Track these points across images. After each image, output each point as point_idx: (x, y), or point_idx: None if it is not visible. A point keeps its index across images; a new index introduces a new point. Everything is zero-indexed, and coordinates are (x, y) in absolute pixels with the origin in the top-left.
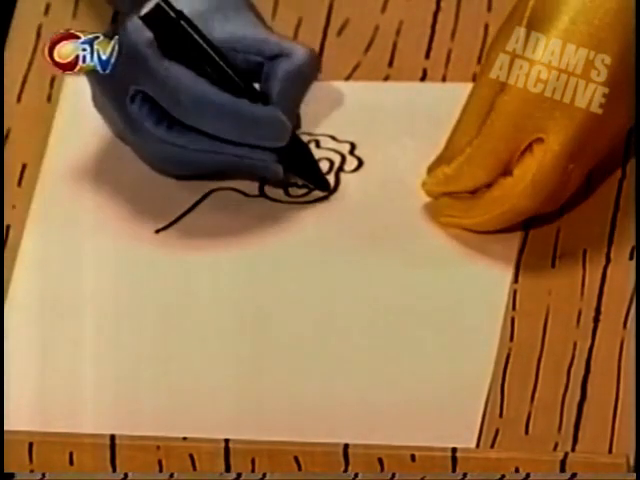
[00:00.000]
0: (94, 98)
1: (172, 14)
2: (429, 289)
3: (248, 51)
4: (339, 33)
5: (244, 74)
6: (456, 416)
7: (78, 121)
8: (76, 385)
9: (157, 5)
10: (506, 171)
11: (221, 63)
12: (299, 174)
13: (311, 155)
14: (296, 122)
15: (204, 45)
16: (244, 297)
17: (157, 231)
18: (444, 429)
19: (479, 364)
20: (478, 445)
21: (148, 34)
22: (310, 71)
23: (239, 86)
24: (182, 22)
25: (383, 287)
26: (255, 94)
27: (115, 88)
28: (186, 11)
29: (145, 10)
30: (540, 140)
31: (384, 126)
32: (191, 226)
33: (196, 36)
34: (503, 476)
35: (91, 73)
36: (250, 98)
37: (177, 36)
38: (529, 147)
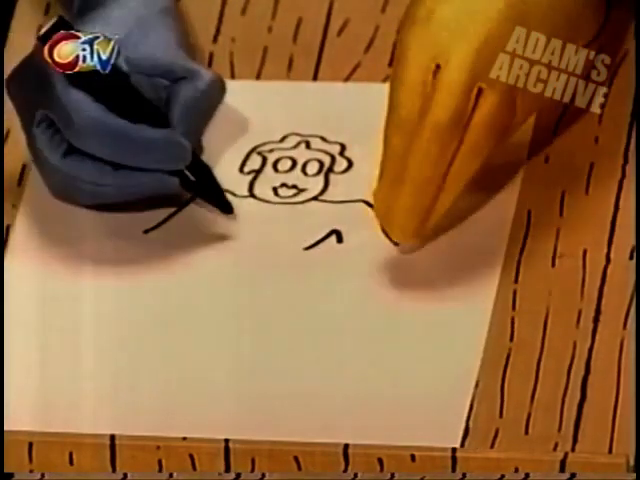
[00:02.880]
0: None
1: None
2: (428, 290)
3: (154, 74)
4: (339, 33)
5: (148, 98)
6: (441, 416)
7: None
8: (76, 385)
9: (56, 23)
10: None
11: (123, 87)
12: (202, 196)
13: (213, 177)
14: (200, 146)
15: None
16: (239, 296)
17: (146, 231)
18: (430, 428)
19: (464, 365)
20: (463, 445)
21: None
22: (214, 96)
23: (138, 110)
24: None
25: (380, 287)
26: (155, 118)
27: (25, 110)
28: (107, 33)
29: (44, 29)
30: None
31: (376, 128)
32: (180, 226)
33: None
34: (502, 476)
35: (6, 90)
36: (150, 122)
37: None
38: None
